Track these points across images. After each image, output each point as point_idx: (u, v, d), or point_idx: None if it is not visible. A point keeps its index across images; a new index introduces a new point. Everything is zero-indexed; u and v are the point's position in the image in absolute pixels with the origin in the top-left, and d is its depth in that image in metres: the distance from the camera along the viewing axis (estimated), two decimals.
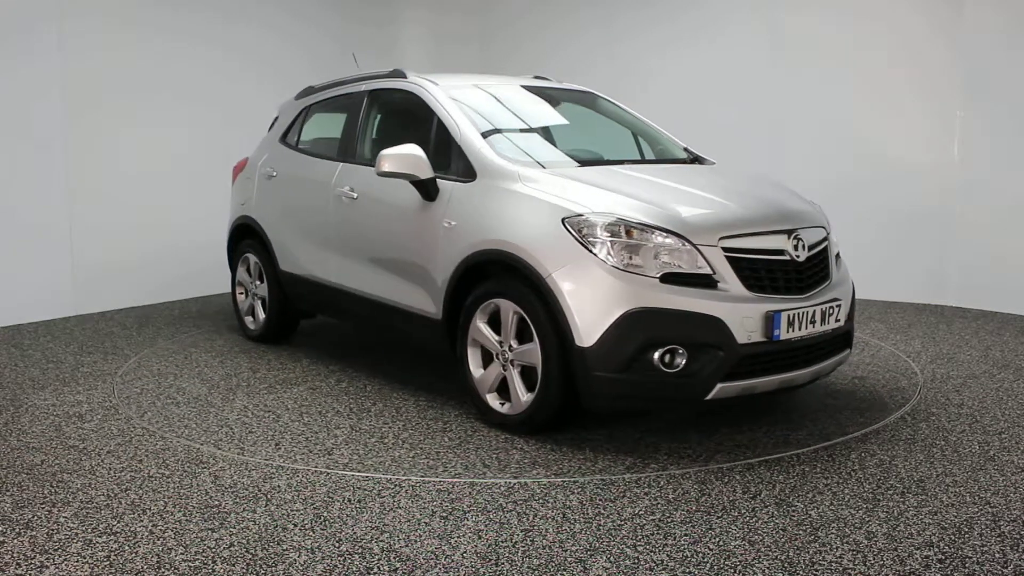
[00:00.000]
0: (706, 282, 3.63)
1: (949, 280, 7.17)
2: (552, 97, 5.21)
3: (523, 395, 3.92)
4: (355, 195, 4.92)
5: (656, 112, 7.47)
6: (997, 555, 2.82)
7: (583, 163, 4.45)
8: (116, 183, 7.05)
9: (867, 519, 3.09)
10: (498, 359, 4.03)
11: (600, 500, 3.27)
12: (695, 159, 5.08)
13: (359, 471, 3.56)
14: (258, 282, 5.91)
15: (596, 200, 3.82)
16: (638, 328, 3.54)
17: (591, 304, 3.60)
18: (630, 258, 3.63)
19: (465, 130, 4.40)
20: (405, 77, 4.98)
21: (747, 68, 7.87)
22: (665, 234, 3.65)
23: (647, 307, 3.54)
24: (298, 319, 5.90)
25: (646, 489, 3.37)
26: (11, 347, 5.82)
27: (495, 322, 4.06)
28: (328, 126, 5.76)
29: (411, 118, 5.04)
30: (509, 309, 3.92)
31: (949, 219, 7.10)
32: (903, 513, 3.14)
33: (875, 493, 3.32)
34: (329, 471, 3.58)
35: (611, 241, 3.65)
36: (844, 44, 7.42)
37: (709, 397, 3.63)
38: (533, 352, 3.83)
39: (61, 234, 6.75)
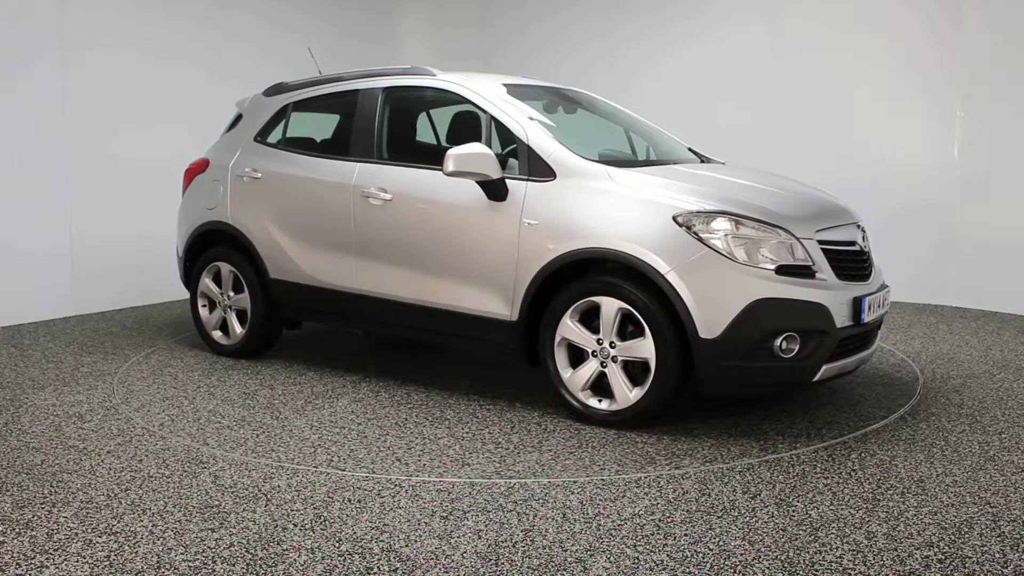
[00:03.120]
0: (806, 272, 3.90)
1: (949, 280, 7.17)
2: (558, 96, 5.20)
3: (630, 390, 3.98)
4: (388, 196, 4.71)
5: (656, 110, 7.48)
6: (997, 555, 2.82)
7: (630, 164, 4.49)
8: (116, 183, 7.05)
9: (867, 519, 3.09)
10: (594, 357, 4.07)
11: (600, 500, 3.27)
12: (703, 159, 5.10)
13: (515, 478, 3.50)
14: (232, 293, 5.47)
15: (697, 197, 3.97)
16: (761, 318, 3.76)
17: (714, 297, 3.78)
18: (743, 252, 3.82)
19: (532, 130, 4.38)
20: (433, 75, 4.87)
21: (746, 67, 7.88)
22: (772, 228, 3.89)
23: (768, 297, 3.77)
24: (281, 331, 5.58)
25: (646, 489, 3.37)
26: (11, 347, 5.82)
27: (583, 320, 4.11)
28: (321, 125, 5.60)
29: (445, 117, 4.97)
30: (612, 306, 3.98)
31: (949, 220, 7.10)
32: (903, 513, 3.14)
33: (875, 493, 3.32)
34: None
35: (727, 236, 3.83)
36: (844, 45, 7.42)
37: (816, 379, 3.91)
38: (643, 347, 3.92)
39: (61, 234, 6.75)
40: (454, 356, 5.59)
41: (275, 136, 5.49)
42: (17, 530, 3.03)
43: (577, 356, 4.17)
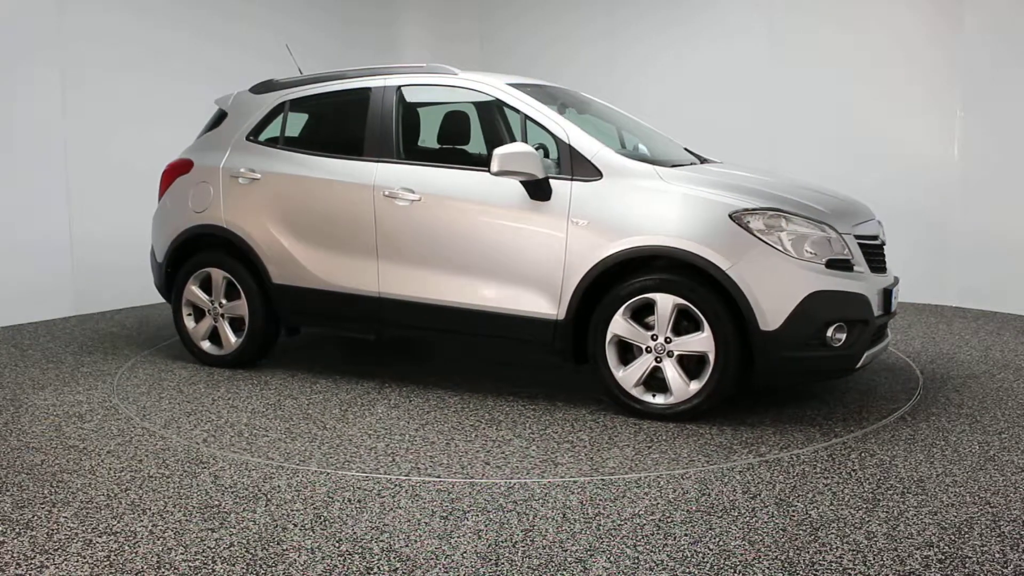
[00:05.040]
0: (847, 265, 4.12)
1: (949, 280, 7.17)
2: (552, 95, 5.19)
3: (687, 384, 4.11)
4: (416, 196, 4.61)
5: (656, 110, 7.48)
6: (997, 555, 2.82)
7: (663, 165, 4.52)
8: (115, 183, 7.05)
9: (867, 519, 3.09)
10: (648, 352, 4.16)
11: (600, 500, 3.27)
12: (702, 160, 5.10)
13: (614, 474, 3.53)
14: (224, 300, 5.19)
15: (747, 196, 4.15)
16: (816, 309, 3.99)
17: (773, 291, 3.97)
18: (795, 247, 4.03)
19: (573, 131, 4.42)
20: (455, 74, 4.82)
21: (746, 67, 7.87)
22: (819, 224, 4.10)
23: (822, 290, 4.00)
24: (276, 339, 5.32)
25: (646, 489, 3.37)
26: (11, 347, 5.82)
27: (633, 317, 4.20)
28: (324, 123, 5.41)
29: (473, 115, 4.93)
30: (668, 302, 4.08)
31: (949, 219, 7.10)
32: (903, 513, 3.14)
33: (875, 493, 3.32)
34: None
35: (780, 232, 4.03)
36: (844, 44, 7.42)
37: (859, 365, 4.16)
38: (701, 341, 4.05)
39: (61, 234, 6.75)
40: (461, 357, 5.58)
41: (271, 135, 5.27)
42: (17, 530, 3.03)
43: (625, 353, 4.24)
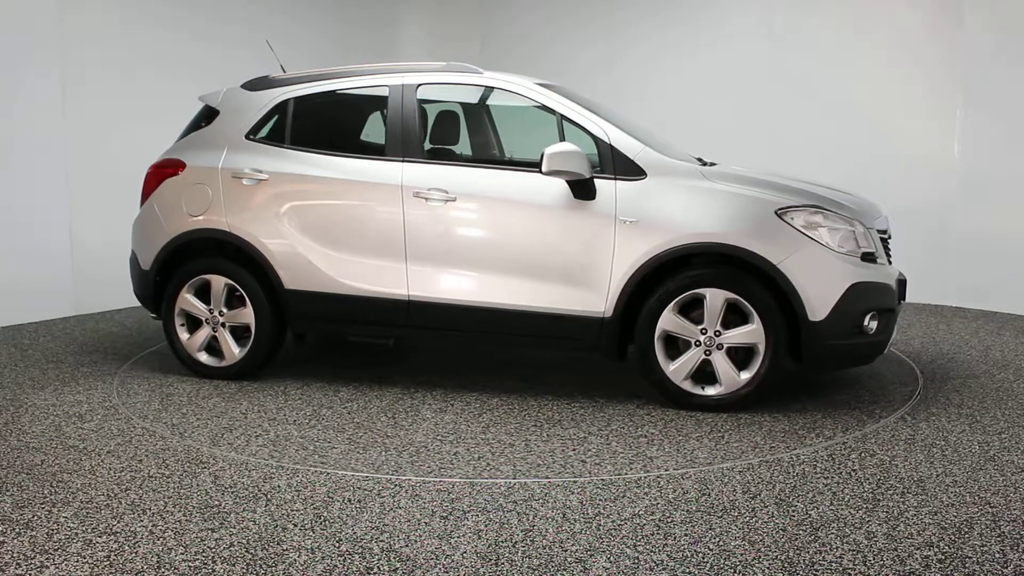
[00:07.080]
0: (873, 258, 4.37)
1: (949, 280, 7.16)
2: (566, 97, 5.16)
3: (736, 375, 4.26)
4: (451, 196, 4.53)
5: (656, 110, 7.48)
6: (997, 555, 2.82)
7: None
8: (116, 183, 7.03)
9: (867, 519, 3.09)
10: (697, 346, 4.29)
11: (600, 500, 3.27)
12: (701, 161, 5.10)
13: (703, 465, 3.59)
14: (224, 309, 4.91)
15: (788, 194, 4.36)
16: (857, 299, 4.23)
17: (820, 283, 4.19)
18: (834, 241, 4.26)
19: (612, 130, 4.49)
20: (480, 73, 4.76)
21: (746, 67, 7.87)
22: (851, 220, 4.34)
23: (861, 281, 4.24)
24: (280, 347, 5.06)
25: (646, 489, 3.37)
26: (11, 347, 5.82)
27: (681, 312, 4.34)
28: (335, 122, 5.24)
29: (500, 115, 4.91)
30: (719, 297, 4.23)
31: (949, 219, 7.10)
32: (903, 513, 3.14)
33: (875, 493, 3.32)
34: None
35: (822, 228, 4.25)
36: (844, 45, 7.42)
37: (884, 351, 4.46)
38: (751, 333, 4.23)
39: (61, 234, 6.75)
40: (466, 358, 5.58)
41: (273, 133, 5.00)
42: (17, 530, 3.03)
43: (669, 348, 4.36)
